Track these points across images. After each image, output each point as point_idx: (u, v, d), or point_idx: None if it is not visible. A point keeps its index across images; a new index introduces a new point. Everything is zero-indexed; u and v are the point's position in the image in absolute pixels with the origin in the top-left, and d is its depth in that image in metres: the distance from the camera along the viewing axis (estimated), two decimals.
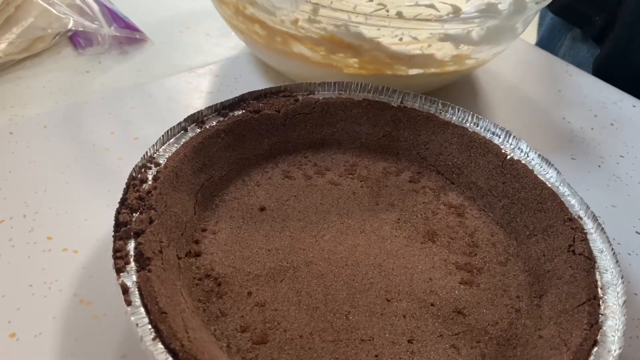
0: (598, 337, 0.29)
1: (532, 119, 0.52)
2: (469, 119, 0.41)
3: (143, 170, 0.33)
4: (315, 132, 0.41)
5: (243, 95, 0.40)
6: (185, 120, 0.37)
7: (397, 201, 0.39)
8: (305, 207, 0.37)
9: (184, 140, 0.36)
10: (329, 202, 0.38)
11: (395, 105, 0.42)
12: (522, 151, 0.39)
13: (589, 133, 0.50)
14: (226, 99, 0.39)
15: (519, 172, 0.38)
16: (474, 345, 0.31)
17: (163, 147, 0.35)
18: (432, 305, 0.32)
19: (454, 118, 0.41)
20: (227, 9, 0.47)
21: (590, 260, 0.33)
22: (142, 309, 0.27)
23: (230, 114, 0.39)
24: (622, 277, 0.32)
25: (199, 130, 0.37)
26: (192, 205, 0.35)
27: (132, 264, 0.29)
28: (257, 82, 0.51)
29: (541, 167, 0.38)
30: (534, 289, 0.34)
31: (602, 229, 0.35)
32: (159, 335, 0.26)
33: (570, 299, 0.31)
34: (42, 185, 0.38)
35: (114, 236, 0.29)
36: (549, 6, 0.45)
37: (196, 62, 0.52)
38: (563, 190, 0.37)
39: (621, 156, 0.48)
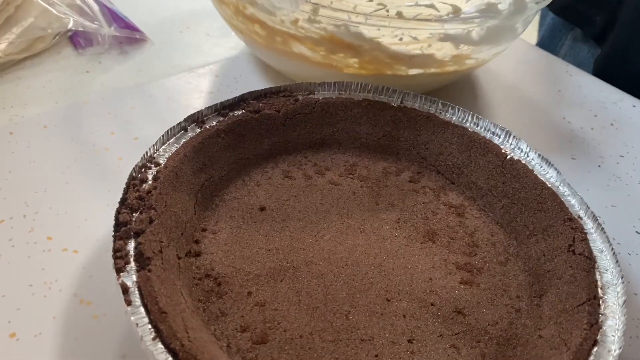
0: (598, 337, 0.29)
1: (532, 119, 0.52)
2: (469, 118, 0.41)
3: (143, 170, 0.33)
4: (315, 132, 0.41)
5: (243, 95, 0.40)
6: (185, 120, 0.37)
7: (397, 201, 0.39)
8: (305, 207, 0.37)
9: (184, 140, 0.36)
10: (329, 202, 0.38)
11: (395, 105, 0.42)
12: (522, 151, 0.39)
13: (589, 133, 0.50)
14: (226, 99, 0.39)
15: (519, 172, 0.38)
16: (474, 345, 0.31)
17: (163, 147, 0.35)
18: (432, 305, 0.32)
19: (454, 118, 0.41)
20: (227, 9, 0.47)
21: (590, 260, 0.33)
22: (142, 309, 0.27)
23: (230, 113, 0.39)
24: (622, 277, 0.32)
25: (199, 130, 0.37)
26: (192, 205, 0.35)
27: (132, 263, 0.29)
28: (257, 82, 0.51)
29: (541, 167, 0.38)
30: (534, 289, 0.34)
31: (602, 229, 0.35)
32: (159, 335, 0.26)
33: (570, 299, 0.31)
34: (42, 185, 0.38)
35: (114, 236, 0.29)
36: (549, 6, 0.45)
37: (196, 62, 0.52)
38: (563, 190, 0.37)
39: (621, 156, 0.48)
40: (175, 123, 0.37)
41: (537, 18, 0.80)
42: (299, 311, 0.31)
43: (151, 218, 0.31)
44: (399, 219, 0.37)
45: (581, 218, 0.35)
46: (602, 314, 0.30)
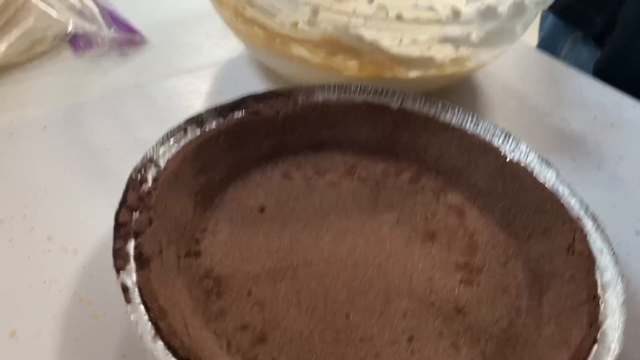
0: (598, 336, 0.29)
1: (532, 120, 0.52)
2: (469, 119, 0.41)
3: (143, 171, 0.33)
4: (314, 133, 0.41)
5: (243, 96, 0.40)
6: (185, 121, 0.37)
7: (397, 202, 0.39)
8: (305, 208, 0.37)
9: (183, 141, 0.36)
10: (328, 202, 0.38)
11: (395, 108, 0.42)
12: (522, 152, 0.39)
13: (589, 134, 0.51)
14: (226, 101, 0.39)
15: (519, 174, 0.38)
16: (474, 344, 0.31)
17: (163, 148, 0.35)
18: (432, 304, 0.32)
19: (454, 119, 0.41)
20: (226, 11, 0.47)
21: (590, 260, 0.33)
22: (141, 307, 0.27)
23: (230, 115, 0.39)
24: (621, 277, 0.32)
25: (198, 131, 0.37)
26: (192, 206, 0.35)
27: (132, 263, 0.29)
28: (257, 84, 0.51)
29: (541, 168, 0.38)
30: (534, 289, 0.34)
31: (602, 229, 0.35)
32: (159, 333, 0.26)
33: (570, 298, 0.31)
34: (42, 185, 0.39)
35: (114, 236, 0.29)
36: (549, 7, 0.46)
37: (196, 64, 0.52)
38: (563, 191, 0.37)
39: (621, 157, 0.48)
40: (175, 124, 0.37)
41: (537, 20, 0.80)
42: (299, 311, 0.31)
43: (151, 219, 0.31)
44: (398, 219, 0.37)
45: (581, 219, 0.35)
46: (602, 314, 0.30)
